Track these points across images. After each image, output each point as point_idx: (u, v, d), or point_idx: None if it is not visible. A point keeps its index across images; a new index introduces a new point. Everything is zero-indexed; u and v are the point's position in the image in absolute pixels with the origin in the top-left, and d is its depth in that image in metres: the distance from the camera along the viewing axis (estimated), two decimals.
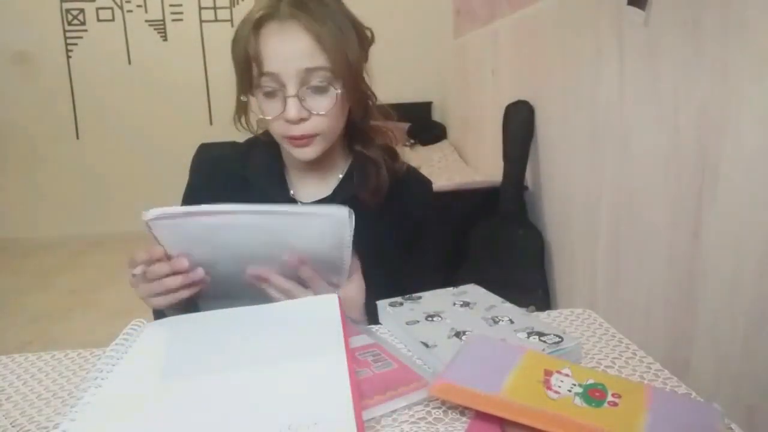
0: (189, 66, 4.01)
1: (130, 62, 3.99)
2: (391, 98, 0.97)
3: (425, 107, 4.08)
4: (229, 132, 0.92)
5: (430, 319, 0.70)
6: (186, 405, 0.51)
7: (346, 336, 0.60)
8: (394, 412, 0.54)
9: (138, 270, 0.70)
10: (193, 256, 0.70)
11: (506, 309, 0.73)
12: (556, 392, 0.52)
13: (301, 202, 0.90)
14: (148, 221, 0.66)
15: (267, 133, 0.92)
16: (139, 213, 0.65)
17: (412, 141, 3.60)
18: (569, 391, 0.52)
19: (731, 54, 1.05)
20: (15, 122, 3.92)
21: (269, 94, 0.80)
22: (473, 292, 0.79)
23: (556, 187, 2.00)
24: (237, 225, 0.68)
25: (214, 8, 3.99)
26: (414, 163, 1.00)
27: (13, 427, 0.54)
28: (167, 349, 0.62)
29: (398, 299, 0.76)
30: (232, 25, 1.90)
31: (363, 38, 0.85)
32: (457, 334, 0.65)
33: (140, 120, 4.01)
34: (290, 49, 0.77)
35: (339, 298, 0.68)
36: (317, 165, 0.89)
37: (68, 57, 3.93)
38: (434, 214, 0.97)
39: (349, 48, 0.80)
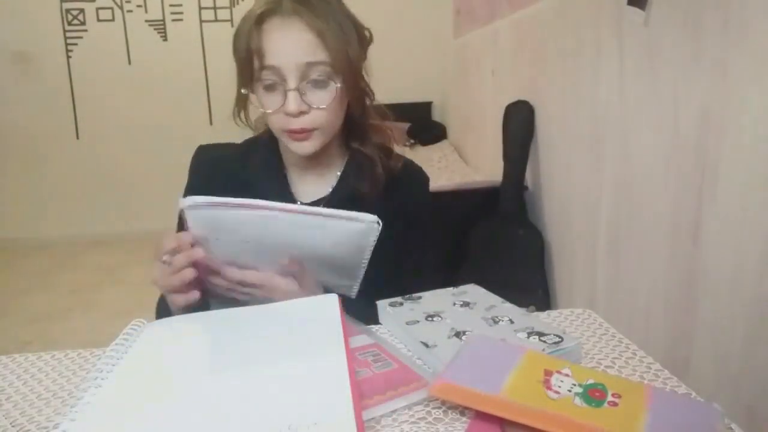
0: (189, 66, 4.01)
1: (130, 62, 3.98)
2: (392, 98, 0.97)
3: (425, 107, 4.08)
4: (229, 132, 0.93)
5: (430, 319, 0.70)
6: (186, 405, 0.51)
7: (346, 336, 0.60)
8: (394, 412, 0.54)
9: (166, 258, 0.70)
10: (218, 248, 0.70)
11: (506, 309, 0.73)
12: (556, 392, 0.52)
13: (301, 202, 0.90)
14: (184, 208, 0.66)
15: (265, 133, 0.92)
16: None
17: (412, 141, 3.60)
18: (569, 391, 0.52)
19: (731, 54, 1.05)
20: (15, 122, 3.92)
21: (269, 88, 0.81)
22: (473, 292, 0.79)
23: (556, 187, 2.00)
24: (269, 220, 0.68)
25: (214, 8, 3.99)
26: None
27: (13, 427, 0.54)
28: (167, 349, 0.62)
29: (398, 299, 0.76)
30: (232, 25, 1.90)
31: (362, 37, 0.86)
32: (457, 334, 0.65)
33: (140, 120, 4.00)
34: (292, 44, 0.79)
35: (339, 298, 0.68)
36: (316, 163, 0.90)
37: (68, 57, 3.92)
38: (430, 206, 0.98)
39: (349, 45, 0.81)
